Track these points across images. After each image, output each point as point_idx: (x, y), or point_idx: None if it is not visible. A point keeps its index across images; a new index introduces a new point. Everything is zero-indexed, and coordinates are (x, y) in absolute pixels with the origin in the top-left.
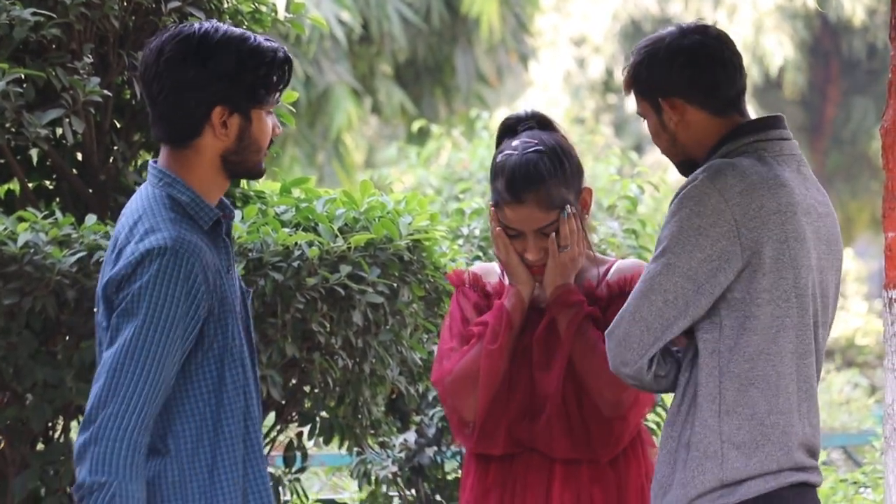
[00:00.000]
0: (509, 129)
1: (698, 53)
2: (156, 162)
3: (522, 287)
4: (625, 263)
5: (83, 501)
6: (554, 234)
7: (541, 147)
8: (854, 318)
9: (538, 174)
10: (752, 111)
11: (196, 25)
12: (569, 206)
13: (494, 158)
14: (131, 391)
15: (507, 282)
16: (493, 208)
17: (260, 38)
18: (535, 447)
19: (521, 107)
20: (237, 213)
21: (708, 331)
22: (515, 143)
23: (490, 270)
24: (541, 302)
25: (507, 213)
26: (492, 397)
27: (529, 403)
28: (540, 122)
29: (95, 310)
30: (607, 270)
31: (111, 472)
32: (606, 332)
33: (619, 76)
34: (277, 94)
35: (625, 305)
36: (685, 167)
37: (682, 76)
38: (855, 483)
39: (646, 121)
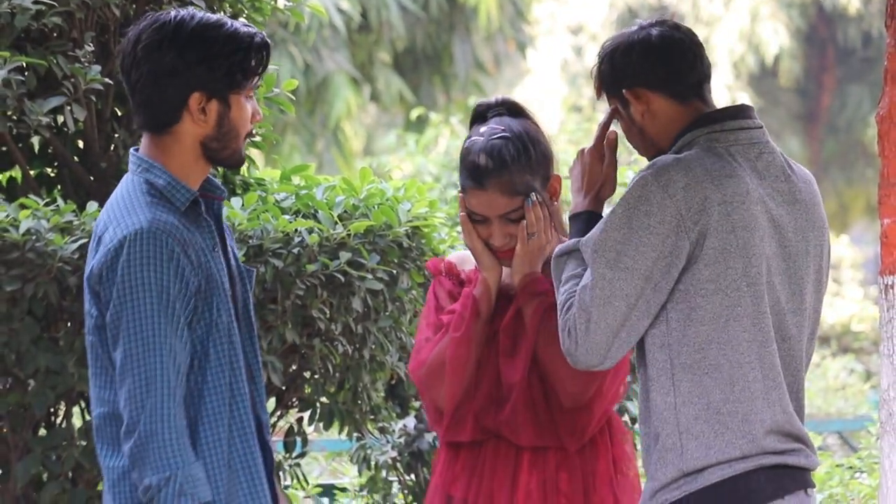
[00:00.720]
0: (479, 115)
1: (655, 42)
2: (137, 150)
3: (488, 273)
4: None
5: (156, 494)
6: (524, 221)
7: (506, 133)
8: (850, 305)
9: (501, 160)
10: (748, 99)
11: (173, 13)
12: (534, 193)
13: (462, 145)
14: (158, 382)
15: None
16: (460, 194)
17: (237, 24)
18: (502, 435)
19: (526, 97)
20: (237, 201)
21: (654, 325)
22: (483, 129)
23: (466, 258)
24: (511, 289)
25: (472, 198)
26: (460, 385)
27: (495, 392)
28: (510, 109)
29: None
30: None
31: (170, 464)
32: (567, 339)
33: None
34: (256, 79)
35: (580, 312)
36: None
37: (642, 65)
38: (851, 468)
39: (619, 121)
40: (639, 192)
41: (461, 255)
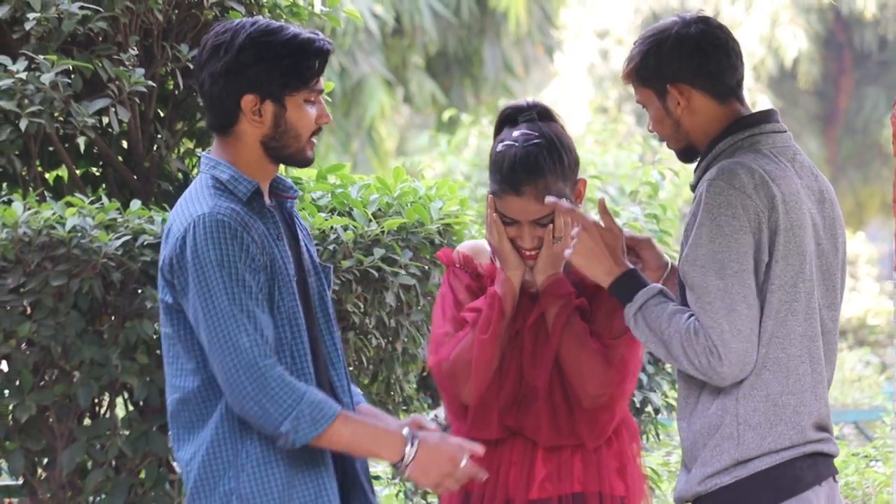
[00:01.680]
0: (509, 118)
1: (704, 41)
2: (208, 152)
3: (513, 273)
4: None
5: (295, 435)
6: (551, 225)
7: (540, 140)
8: (866, 299)
9: (538, 168)
10: (768, 101)
11: (235, 22)
12: (564, 199)
13: (494, 147)
14: (245, 342)
15: (497, 264)
16: (490, 195)
17: (299, 30)
18: (523, 434)
19: (552, 100)
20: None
21: None
22: (516, 133)
23: (480, 250)
24: (531, 286)
25: (506, 203)
26: (486, 384)
27: (518, 391)
28: (540, 113)
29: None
30: None
31: (288, 405)
32: (710, 359)
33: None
34: (315, 83)
35: (712, 329)
36: (686, 154)
37: (691, 62)
38: (866, 457)
39: (647, 108)
40: (719, 200)
41: (474, 247)
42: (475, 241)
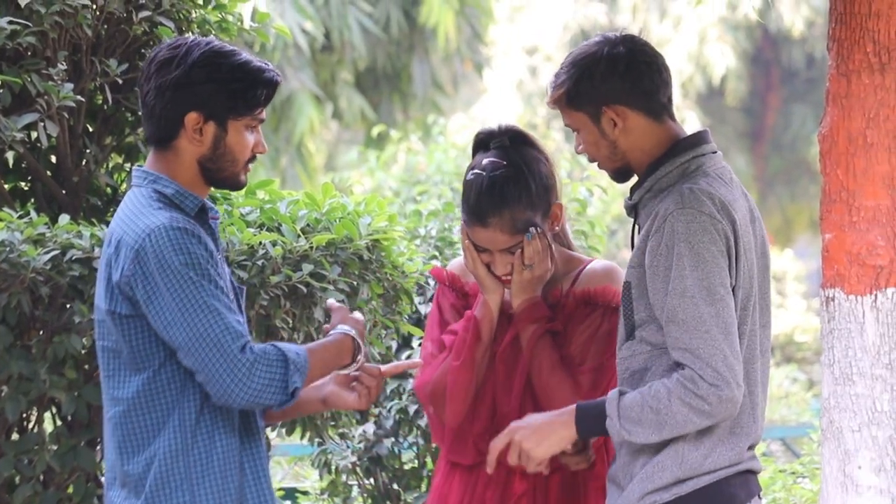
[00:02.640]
0: (482, 143)
1: (635, 60)
2: (140, 167)
3: (491, 296)
4: (593, 270)
5: (293, 387)
6: (519, 251)
7: (506, 170)
8: (793, 316)
9: (502, 200)
10: (696, 118)
11: (190, 38)
12: (533, 228)
13: (465, 174)
14: (223, 331)
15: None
16: (463, 222)
17: (251, 58)
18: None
19: (495, 121)
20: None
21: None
22: (485, 162)
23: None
24: (510, 308)
25: (474, 232)
26: (462, 407)
27: (492, 417)
28: (512, 138)
29: (98, 303)
30: (577, 275)
31: (280, 366)
32: (717, 390)
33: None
34: (258, 111)
35: (713, 356)
36: (621, 174)
37: (624, 83)
38: (793, 473)
39: (579, 132)
40: (693, 227)
41: (462, 266)
42: (462, 259)
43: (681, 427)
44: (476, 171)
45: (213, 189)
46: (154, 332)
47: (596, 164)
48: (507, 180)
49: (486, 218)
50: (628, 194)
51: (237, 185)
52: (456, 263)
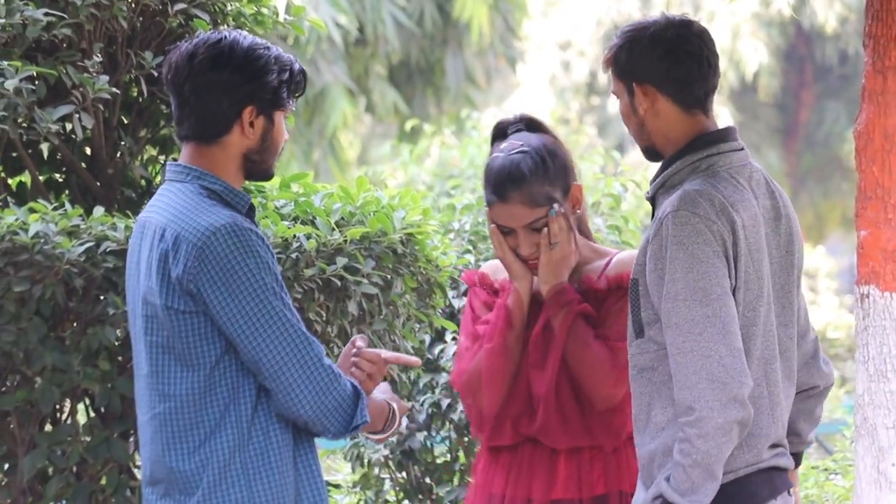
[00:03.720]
0: (500, 132)
1: (677, 47)
2: (175, 160)
3: (520, 283)
4: (624, 257)
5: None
6: (545, 230)
7: (525, 148)
8: (826, 313)
9: (520, 173)
10: (728, 114)
11: (223, 33)
12: (556, 204)
13: (486, 162)
14: (302, 351)
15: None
16: (487, 208)
17: (278, 49)
18: (538, 440)
19: (511, 110)
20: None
21: None
22: (503, 145)
23: (499, 267)
24: (542, 296)
25: (496, 211)
26: (498, 393)
27: (529, 399)
28: (528, 125)
29: (150, 298)
30: (608, 263)
31: (347, 398)
32: (719, 390)
33: (604, 79)
34: (293, 101)
35: (713, 355)
36: (650, 153)
37: (660, 65)
38: (826, 470)
39: (619, 100)
40: (687, 230)
41: (494, 265)
42: (496, 260)
43: (723, 454)
44: (494, 154)
45: (248, 181)
46: (212, 329)
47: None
48: (525, 156)
49: (506, 192)
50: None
51: (270, 176)
52: (487, 264)
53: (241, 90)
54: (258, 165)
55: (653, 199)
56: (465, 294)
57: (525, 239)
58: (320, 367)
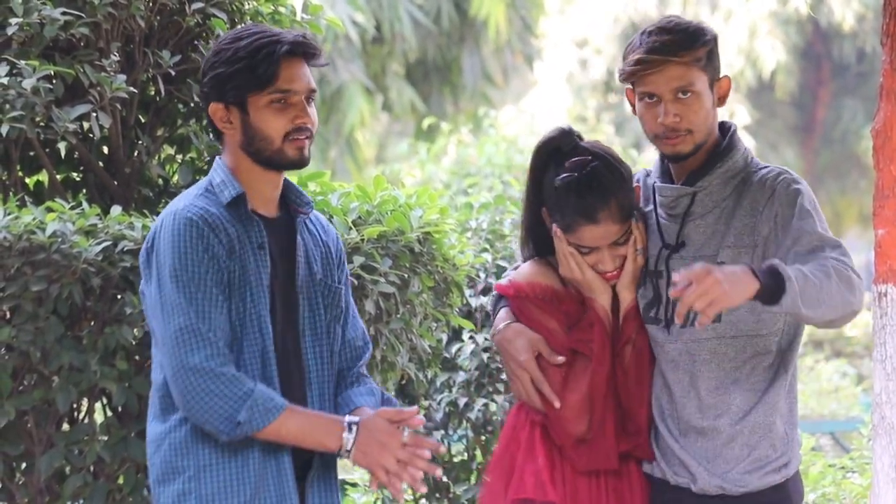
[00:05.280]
0: (553, 151)
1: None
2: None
3: (604, 298)
4: None
5: (249, 425)
6: (633, 238)
7: (595, 163)
8: None
9: (605, 190)
10: (746, 112)
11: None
12: (636, 211)
13: (552, 184)
14: (195, 339)
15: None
16: (557, 230)
17: (257, 35)
18: (635, 454)
19: (548, 127)
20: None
21: (773, 325)
22: (568, 164)
23: (545, 272)
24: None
25: (582, 233)
26: (602, 414)
27: (623, 421)
28: (576, 135)
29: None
30: None
31: (240, 389)
32: (857, 293)
33: (618, 78)
34: (274, 85)
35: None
36: (697, 150)
37: (720, 57)
38: (843, 468)
39: (689, 94)
40: (807, 188)
41: (534, 272)
42: (530, 267)
43: (838, 304)
44: (564, 175)
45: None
46: None
47: (682, 137)
48: (602, 170)
49: (596, 214)
50: (675, 183)
51: (288, 163)
52: (525, 273)
53: (207, 90)
54: (260, 155)
55: (692, 195)
56: (483, 293)
57: (609, 254)
58: (183, 354)
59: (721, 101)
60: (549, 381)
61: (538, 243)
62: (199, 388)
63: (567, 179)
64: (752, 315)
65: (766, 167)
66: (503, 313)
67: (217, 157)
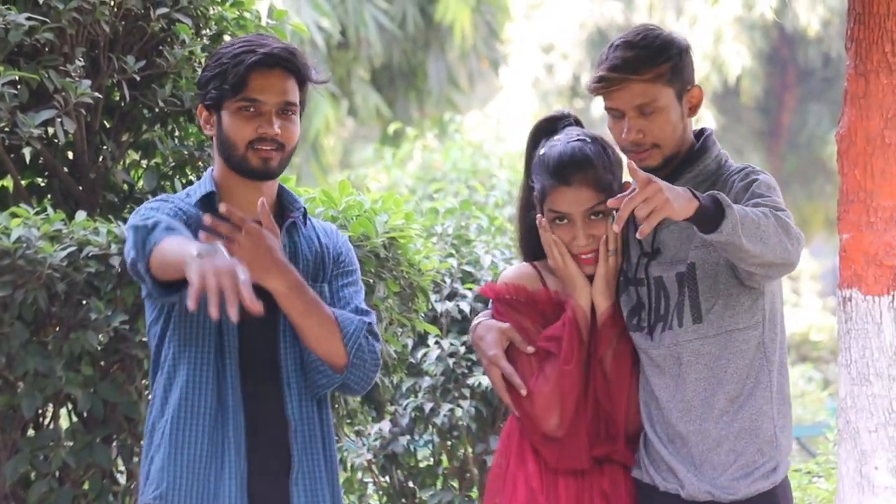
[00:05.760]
0: (548, 126)
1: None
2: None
3: (583, 297)
4: None
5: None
6: (604, 238)
7: (585, 137)
8: (809, 315)
9: (585, 156)
10: (711, 118)
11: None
12: (614, 211)
13: (537, 154)
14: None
15: (551, 286)
16: (542, 220)
17: (236, 45)
18: (611, 458)
19: (491, 113)
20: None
21: (750, 326)
22: (559, 136)
23: (527, 275)
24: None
25: (556, 196)
26: (572, 414)
27: (598, 422)
28: (576, 121)
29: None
30: None
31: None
32: (796, 242)
33: (585, 82)
34: (242, 94)
35: (793, 225)
36: (669, 160)
37: (693, 67)
38: (808, 473)
39: (654, 112)
40: (768, 178)
41: (519, 274)
42: (514, 270)
43: (775, 245)
44: (552, 143)
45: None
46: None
47: (647, 152)
48: (588, 142)
49: (570, 175)
50: None
51: (251, 171)
52: (511, 274)
53: (200, 93)
54: (230, 161)
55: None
56: (448, 298)
57: (583, 228)
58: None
59: (692, 111)
60: (522, 374)
61: (530, 248)
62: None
63: (551, 146)
64: (727, 310)
65: (737, 167)
66: (481, 314)
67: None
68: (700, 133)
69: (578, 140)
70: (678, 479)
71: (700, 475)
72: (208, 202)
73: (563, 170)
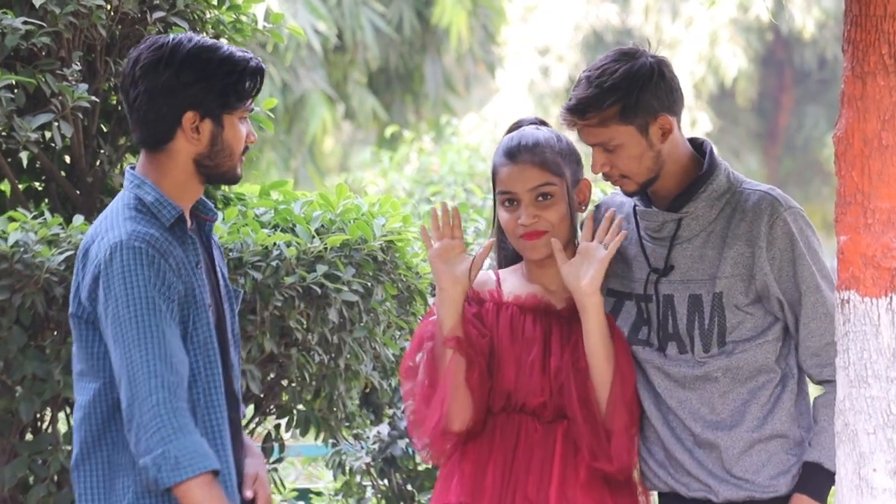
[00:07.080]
0: (515, 127)
1: (664, 70)
2: (133, 167)
3: (445, 307)
4: None
5: (158, 474)
6: (556, 242)
7: (540, 126)
8: None
9: (533, 137)
10: (708, 119)
11: (172, 36)
12: (562, 178)
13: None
14: (146, 373)
15: (503, 288)
16: (497, 179)
17: (233, 49)
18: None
19: (490, 114)
20: (218, 215)
21: (786, 336)
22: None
23: (486, 279)
24: (551, 305)
25: (504, 175)
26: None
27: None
28: (543, 123)
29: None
30: None
31: (163, 441)
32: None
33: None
34: (249, 102)
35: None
36: (647, 186)
37: (667, 91)
38: None
39: (616, 149)
40: (805, 224)
41: (482, 277)
42: (484, 272)
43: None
44: (507, 136)
45: (228, 189)
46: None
47: (619, 180)
48: (540, 129)
49: (517, 154)
50: (658, 208)
51: (235, 179)
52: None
53: (182, 94)
54: (214, 170)
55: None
56: None
57: (526, 208)
58: (163, 391)
59: (664, 136)
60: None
61: (502, 256)
62: (147, 420)
63: (506, 137)
64: (753, 330)
65: (750, 186)
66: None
67: (129, 171)
68: (697, 143)
69: (531, 125)
70: (706, 485)
71: (734, 478)
72: (179, 222)
73: (511, 150)
